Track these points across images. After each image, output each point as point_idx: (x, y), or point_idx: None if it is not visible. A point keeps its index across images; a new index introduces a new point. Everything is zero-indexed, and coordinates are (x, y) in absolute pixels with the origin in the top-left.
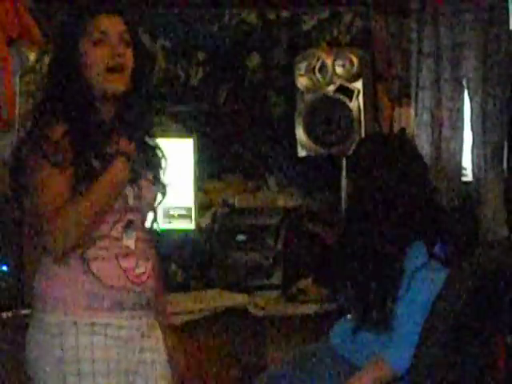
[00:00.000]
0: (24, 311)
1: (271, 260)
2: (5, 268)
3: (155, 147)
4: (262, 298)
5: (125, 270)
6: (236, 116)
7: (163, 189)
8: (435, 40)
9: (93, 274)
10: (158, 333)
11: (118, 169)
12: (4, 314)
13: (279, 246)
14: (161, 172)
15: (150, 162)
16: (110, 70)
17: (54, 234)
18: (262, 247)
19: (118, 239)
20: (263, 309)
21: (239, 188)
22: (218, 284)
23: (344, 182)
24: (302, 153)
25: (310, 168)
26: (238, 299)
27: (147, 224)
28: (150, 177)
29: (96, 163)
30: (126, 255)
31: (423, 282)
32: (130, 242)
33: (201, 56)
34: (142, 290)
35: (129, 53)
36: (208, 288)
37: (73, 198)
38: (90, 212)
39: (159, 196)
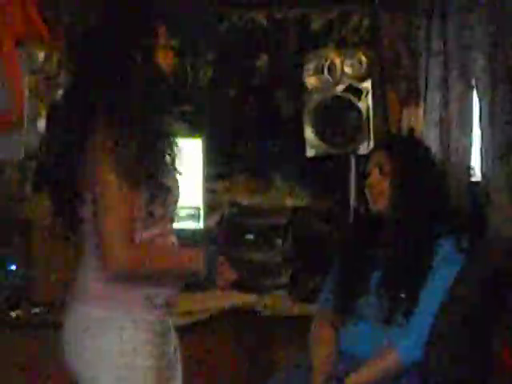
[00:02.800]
0: (33, 310)
1: (279, 260)
2: (13, 267)
3: (174, 144)
4: (271, 298)
5: None
6: (244, 115)
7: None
8: (444, 40)
9: None
10: (174, 333)
11: (197, 262)
12: (13, 313)
13: (287, 246)
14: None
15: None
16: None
17: (110, 263)
18: (270, 247)
19: (166, 236)
20: (271, 309)
21: (247, 188)
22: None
23: (353, 182)
24: (310, 153)
25: (318, 168)
26: (246, 299)
27: None
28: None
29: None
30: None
31: (445, 275)
32: (173, 239)
33: (209, 56)
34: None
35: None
36: (216, 288)
37: (145, 246)
38: (148, 271)
39: None
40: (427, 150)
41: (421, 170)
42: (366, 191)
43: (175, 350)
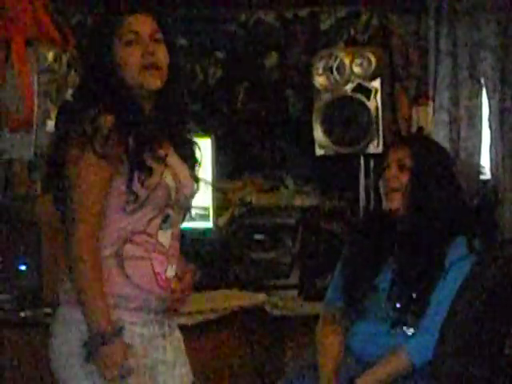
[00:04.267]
0: (43, 310)
1: (289, 259)
2: (23, 267)
3: (192, 142)
4: (280, 298)
5: (156, 274)
6: (254, 115)
7: (196, 184)
8: (453, 39)
9: (126, 274)
10: (178, 334)
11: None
12: (23, 313)
13: (297, 246)
14: (196, 167)
15: (188, 157)
16: (145, 67)
17: (73, 244)
18: (279, 246)
19: (152, 235)
20: (281, 308)
21: (257, 187)
22: (235, 283)
23: (362, 181)
24: (319, 152)
25: (327, 167)
26: (256, 299)
27: (181, 221)
28: (188, 172)
29: (150, 161)
30: (159, 256)
31: (457, 276)
32: (164, 238)
33: (219, 55)
34: (168, 294)
35: (162, 51)
36: (226, 287)
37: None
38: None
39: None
40: (445, 151)
41: (440, 170)
42: (381, 186)
43: (171, 351)
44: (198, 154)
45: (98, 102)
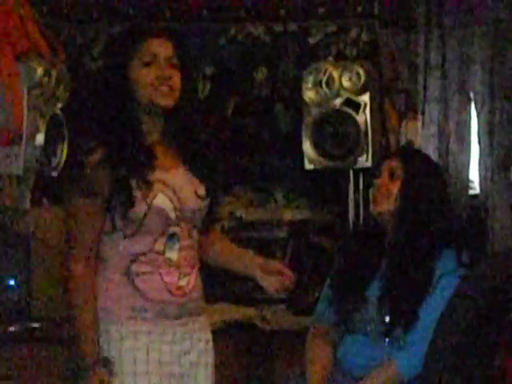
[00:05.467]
0: (31, 325)
1: None
2: (12, 282)
3: (205, 157)
4: (269, 312)
5: (167, 284)
6: (243, 129)
7: (207, 199)
8: (442, 53)
9: (136, 288)
10: (208, 335)
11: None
12: (12, 328)
13: (286, 259)
14: (210, 183)
15: (199, 171)
16: (159, 85)
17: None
18: None
19: (160, 253)
20: (270, 322)
21: (247, 201)
22: (225, 297)
23: (351, 195)
24: (309, 166)
25: (317, 181)
26: (245, 313)
27: (195, 232)
28: (199, 189)
29: (137, 192)
30: (169, 268)
31: (446, 289)
32: (172, 254)
33: (208, 69)
34: (185, 301)
35: (177, 75)
36: (215, 301)
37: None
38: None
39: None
40: (437, 164)
41: (431, 183)
42: (371, 193)
43: (194, 353)
44: (210, 170)
45: (99, 131)
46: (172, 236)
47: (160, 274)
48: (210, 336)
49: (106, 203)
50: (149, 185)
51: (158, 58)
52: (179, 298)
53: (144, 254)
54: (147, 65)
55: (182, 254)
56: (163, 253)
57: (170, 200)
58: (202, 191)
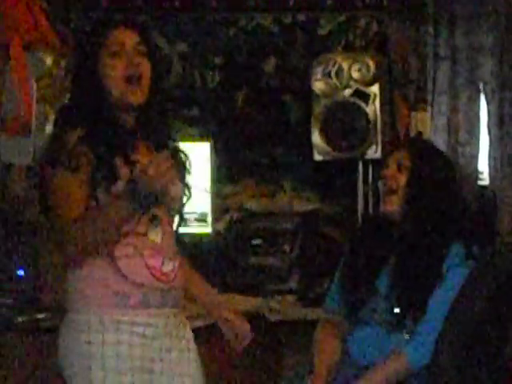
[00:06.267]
0: (40, 315)
1: (287, 264)
2: (21, 272)
3: (178, 150)
4: (279, 303)
5: (151, 268)
6: (252, 120)
7: (188, 190)
8: (451, 44)
9: (119, 271)
10: (188, 330)
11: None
12: (20, 318)
13: (295, 251)
14: (185, 174)
15: (175, 162)
16: (128, 80)
17: (69, 244)
18: (278, 252)
19: (143, 234)
20: (279, 313)
21: (255, 192)
22: (234, 288)
23: (360, 186)
24: (318, 157)
25: (326, 172)
26: (254, 304)
27: (174, 224)
28: (176, 175)
29: (119, 163)
30: (153, 251)
31: (455, 281)
32: (155, 236)
33: (217, 60)
34: (168, 288)
35: (145, 63)
36: (224, 292)
37: (87, 213)
38: (100, 232)
39: (184, 198)
40: (445, 155)
41: (438, 174)
42: (380, 185)
43: (176, 351)
44: (186, 161)
45: (76, 115)
46: (154, 218)
47: (143, 257)
48: (191, 335)
49: (89, 180)
50: (132, 164)
51: (125, 46)
52: (163, 283)
53: (127, 235)
54: (115, 55)
55: (164, 240)
56: (146, 235)
57: None
58: (180, 180)
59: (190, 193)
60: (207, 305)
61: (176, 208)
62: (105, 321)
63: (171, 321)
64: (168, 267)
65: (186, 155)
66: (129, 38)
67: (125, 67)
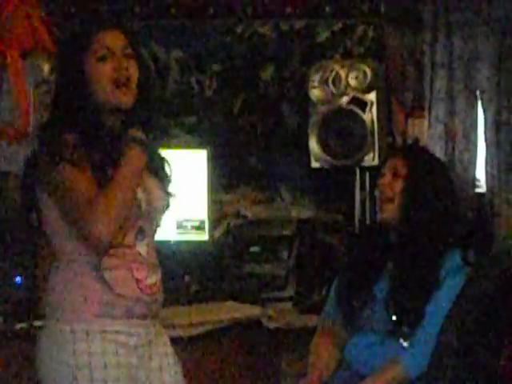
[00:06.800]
0: (37, 323)
1: (285, 272)
2: (18, 279)
3: (162, 158)
4: (276, 310)
5: (137, 280)
6: (250, 127)
7: (168, 199)
8: (448, 51)
9: (105, 282)
10: (165, 338)
11: (134, 154)
12: (18, 326)
13: (293, 258)
14: (167, 183)
15: (158, 171)
16: (117, 84)
17: (92, 224)
18: (275, 259)
19: (130, 247)
20: (276, 321)
21: (253, 199)
22: (231, 296)
23: (358, 193)
24: (315, 164)
25: (323, 179)
26: (252, 311)
27: (155, 233)
28: (158, 185)
29: (109, 163)
30: (139, 264)
31: (452, 287)
32: (142, 248)
33: (215, 68)
34: (151, 300)
35: (133, 66)
36: (221, 300)
37: (101, 190)
38: (119, 198)
39: (164, 207)
40: (441, 162)
41: (435, 180)
42: (377, 193)
43: (157, 357)
44: (167, 170)
45: (66, 121)
46: (140, 230)
47: (130, 269)
48: (167, 339)
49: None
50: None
51: (112, 50)
52: (148, 296)
53: (114, 246)
54: (102, 59)
55: (149, 251)
56: (133, 246)
57: (143, 191)
58: (162, 190)
59: (168, 202)
60: None
61: (159, 219)
62: (90, 330)
63: (151, 330)
64: (152, 280)
65: (168, 163)
66: (116, 41)
67: (113, 70)
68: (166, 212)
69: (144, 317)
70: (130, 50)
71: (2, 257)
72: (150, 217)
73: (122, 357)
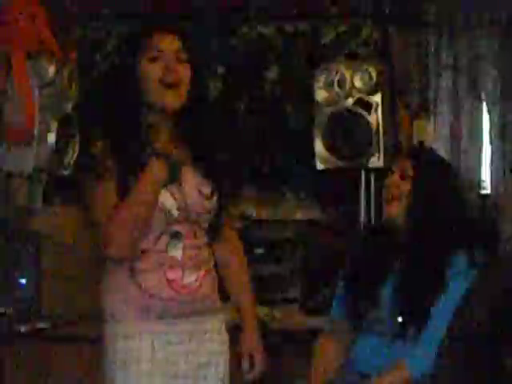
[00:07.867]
0: (41, 324)
1: (289, 273)
2: (23, 281)
3: (216, 160)
4: (280, 312)
5: (170, 281)
6: (255, 129)
7: (213, 202)
8: (453, 53)
9: (140, 286)
10: (219, 336)
11: (153, 169)
12: (22, 327)
13: (297, 259)
14: (219, 184)
15: (209, 174)
16: (165, 85)
17: (109, 237)
18: (280, 260)
19: (162, 252)
20: (281, 322)
21: (258, 201)
22: None
23: (363, 195)
24: (320, 166)
25: (328, 181)
26: (256, 312)
27: (202, 233)
28: (205, 189)
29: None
30: (172, 266)
31: (458, 289)
32: (175, 253)
33: (219, 69)
34: (190, 299)
35: (184, 69)
36: (225, 301)
37: (117, 208)
38: (132, 214)
39: (214, 207)
40: (448, 164)
41: (442, 182)
42: (383, 193)
43: (204, 355)
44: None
45: (105, 125)
46: (175, 235)
47: (163, 272)
48: (225, 337)
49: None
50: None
51: (164, 52)
52: (183, 295)
53: (146, 251)
54: (153, 60)
55: (186, 253)
56: (166, 251)
57: (174, 198)
58: (207, 190)
59: (216, 202)
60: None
61: (202, 221)
62: (128, 331)
63: (198, 326)
64: (190, 278)
65: (227, 167)
66: (169, 44)
67: (161, 70)
68: (215, 213)
69: (183, 315)
70: (183, 55)
71: (5, 258)
72: (189, 221)
73: (159, 352)
